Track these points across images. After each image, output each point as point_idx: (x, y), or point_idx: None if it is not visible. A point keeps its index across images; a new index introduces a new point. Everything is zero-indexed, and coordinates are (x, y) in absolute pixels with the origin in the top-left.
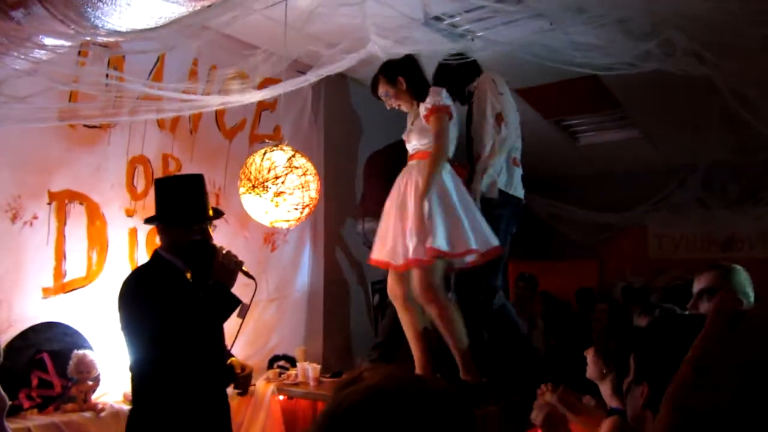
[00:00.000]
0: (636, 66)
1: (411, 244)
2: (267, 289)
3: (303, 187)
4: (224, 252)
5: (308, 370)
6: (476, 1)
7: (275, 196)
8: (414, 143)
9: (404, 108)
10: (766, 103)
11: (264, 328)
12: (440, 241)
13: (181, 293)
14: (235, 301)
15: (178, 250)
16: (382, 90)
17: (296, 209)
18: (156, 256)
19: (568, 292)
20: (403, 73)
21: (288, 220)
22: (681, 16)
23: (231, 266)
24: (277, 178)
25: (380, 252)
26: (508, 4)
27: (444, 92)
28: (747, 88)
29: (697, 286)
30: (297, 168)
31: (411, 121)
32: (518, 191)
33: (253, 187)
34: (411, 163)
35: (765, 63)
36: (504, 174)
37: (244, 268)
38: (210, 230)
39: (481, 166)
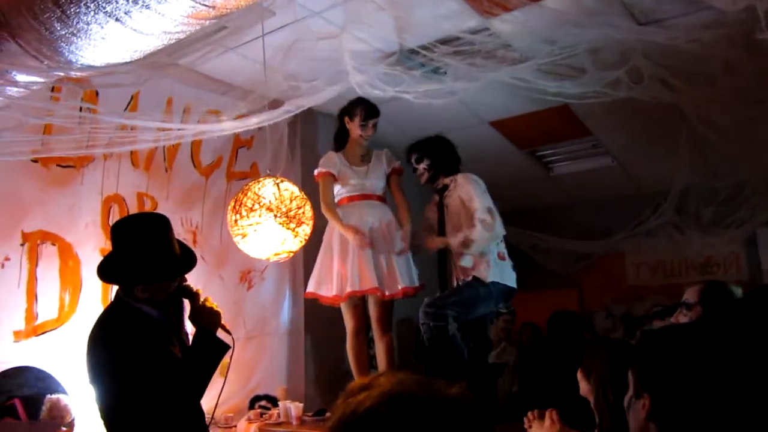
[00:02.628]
0: (606, 94)
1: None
2: (244, 327)
3: (311, 219)
4: (203, 298)
5: (290, 409)
6: (450, 33)
7: (297, 226)
8: (374, 184)
9: (365, 138)
10: (733, 126)
11: (243, 367)
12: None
13: (157, 341)
14: (224, 347)
15: (152, 302)
16: (377, 123)
17: (302, 240)
18: (121, 302)
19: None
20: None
21: (291, 251)
22: (647, 43)
23: (213, 310)
24: (299, 208)
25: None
26: (480, 35)
27: None
28: (713, 113)
29: (683, 298)
30: (305, 199)
31: (363, 163)
32: (511, 282)
33: (276, 216)
34: (375, 203)
35: (728, 87)
36: (495, 266)
37: (222, 322)
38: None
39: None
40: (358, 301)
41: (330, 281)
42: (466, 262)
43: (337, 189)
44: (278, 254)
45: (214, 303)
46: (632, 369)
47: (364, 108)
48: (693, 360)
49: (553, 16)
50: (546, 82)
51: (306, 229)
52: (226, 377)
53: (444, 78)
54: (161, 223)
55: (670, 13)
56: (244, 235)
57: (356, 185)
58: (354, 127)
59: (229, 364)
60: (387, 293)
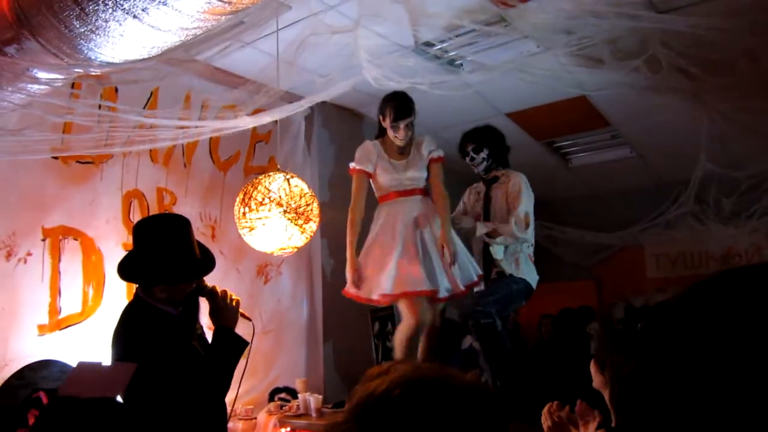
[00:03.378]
0: (625, 84)
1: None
2: (261, 321)
3: (318, 216)
4: (221, 292)
5: (310, 401)
6: (466, 25)
7: (305, 223)
8: (415, 177)
9: (399, 140)
10: (754, 115)
11: (262, 360)
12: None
13: (177, 338)
14: (243, 343)
15: (170, 301)
16: (413, 122)
17: (308, 237)
18: (140, 300)
19: None
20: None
21: (297, 247)
22: (666, 32)
23: (231, 307)
24: (308, 205)
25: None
26: (496, 27)
27: None
28: (734, 101)
29: None
30: (313, 196)
31: (402, 156)
32: (534, 283)
33: (285, 212)
34: (417, 197)
35: (749, 76)
36: (526, 265)
37: (240, 309)
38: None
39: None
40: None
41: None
42: (505, 264)
43: (415, 177)
44: (283, 249)
45: (231, 293)
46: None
47: (393, 108)
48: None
49: (570, 6)
50: (564, 73)
51: (313, 226)
52: (247, 362)
53: (460, 70)
54: (182, 224)
55: (690, 0)
56: (251, 228)
57: (394, 181)
58: (387, 128)
59: (250, 348)
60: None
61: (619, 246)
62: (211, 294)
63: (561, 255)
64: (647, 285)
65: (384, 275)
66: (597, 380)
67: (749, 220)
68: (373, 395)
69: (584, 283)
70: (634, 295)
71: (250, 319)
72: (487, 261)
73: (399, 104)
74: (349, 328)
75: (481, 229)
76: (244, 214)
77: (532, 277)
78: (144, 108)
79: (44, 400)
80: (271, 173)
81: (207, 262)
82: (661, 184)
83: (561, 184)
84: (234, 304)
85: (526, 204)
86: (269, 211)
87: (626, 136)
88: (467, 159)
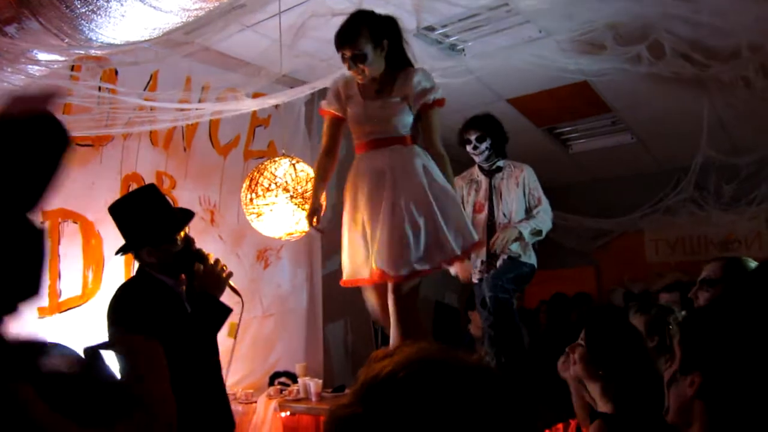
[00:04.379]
0: (627, 70)
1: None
2: (262, 305)
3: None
4: (213, 260)
5: (310, 385)
6: (467, 7)
7: None
8: (398, 122)
9: (368, 75)
10: (756, 102)
11: (262, 344)
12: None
13: (175, 312)
14: (225, 311)
15: (164, 267)
16: (361, 46)
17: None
18: (143, 273)
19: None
20: (389, 36)
21: (304, 231)
22: (669, 18)
23: (218, 274)
24: None
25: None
26: (497, 11)
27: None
28: (736, 88)
29: (702, 274)
30: None
31: (375, 93)
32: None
33: (292, 197)
34: (397, 148)
35: (752, 62)
36: (533, 251)
37: (231, 282)
38: (186, 235)
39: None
40: None
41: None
42: (516, 247)
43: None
44: (291, 234)
45: (224, 264)
46: (680, 345)
47: (336, 37)
48: (750, 338)
49: None
50: (565, 59)
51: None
52: (235, 338)
53: (461, 55)
54: (150, 189)
55: None
56: (259, 214)
57: (362, 126)
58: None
59: (238, 325)
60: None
61: (619, 232)
62: (199, 256)
63: (561, 241)
64: (646, 270)
65: (344, 256)
66: (582, 369)
67: (749, 207)
68: (377, 377)
69: (583, 270)
70: (632, 281)
71: (239, 294)
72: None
73: (340, 29)
74: (349, 313)
75: (526, 230)
76: (251, 200)
77: (535, 261)
78: (144, 90)
79: None
80: (276, 158)
81: (182, 216)
82: (661, 170)
83: (561, 170)
84: (224, 275)
85: (543, 194)
86: (276, 196)
87: (627, 122)
88: (469, 147)
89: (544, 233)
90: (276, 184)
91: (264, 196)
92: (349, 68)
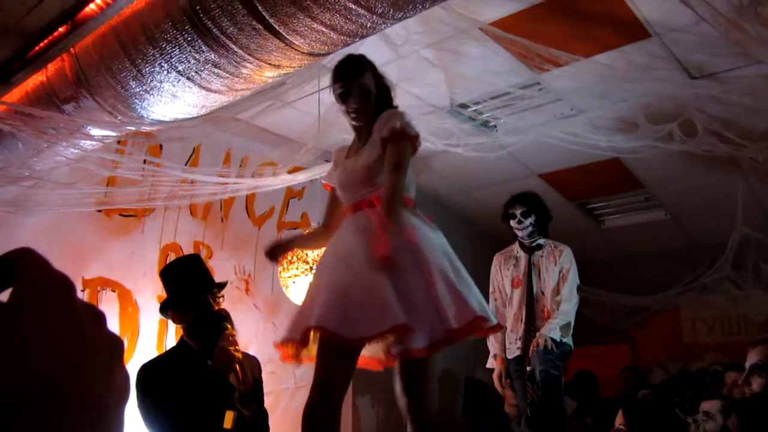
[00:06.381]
0: (659, 148)
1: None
2: (294, 376)
3: None
4: (230, 337)
5: None
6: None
7: None
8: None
9: (367, 113)
10: None
11: (292, 416)
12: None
13: (191, 379)
14: (230, 389)
15: (191, 332)
16: (368, 80)
17: None
18: (180, 341)
19: (601, 378)
20: (382, 83)
21: None
22: (701, 97)
23: (230, 355)
24: None
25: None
26: (529, 89)
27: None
28: None
29: (749, 360)
30: None
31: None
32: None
33: (311, 269)
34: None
35: None
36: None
37: (238, 366)
38: (215, 302)
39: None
40: None
41: None
42: (555, 335)
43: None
44: None
45: (238, 349)
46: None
47: (333, 74)
48: None
49: (604, 71)
50: (597, 136)
51: None
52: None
53: (494, 131)
54: (188, 258)
55: (724, 66)
56: (286, 286)
57: (341, 187)
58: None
59: (234, 417)
60: None
61: (654, 309)
62: (220, 317)
63: (594, 317)
64: (684, 350)
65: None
66: None
67: None
68: None
69: (618, 347)
70: (669, 360)
71: (237, 381)
72: (532, 325)
73: (339, 64)
74: (384, 384)
75: (556, 331)
76: (280, 272)
77: (571, 341)
78: (186, 164)
79: None
80: (303, 231)
81: (202, 282)
82: (696, 247)
83: (593, 245)
84: (233, 357)
85: (576, 278)
86: (297, 269)
87: (660, 199)
88: (513, 221)
89: (572, 321)
90: (297, 256)
91: (287, 269)
92: (351, 106)
